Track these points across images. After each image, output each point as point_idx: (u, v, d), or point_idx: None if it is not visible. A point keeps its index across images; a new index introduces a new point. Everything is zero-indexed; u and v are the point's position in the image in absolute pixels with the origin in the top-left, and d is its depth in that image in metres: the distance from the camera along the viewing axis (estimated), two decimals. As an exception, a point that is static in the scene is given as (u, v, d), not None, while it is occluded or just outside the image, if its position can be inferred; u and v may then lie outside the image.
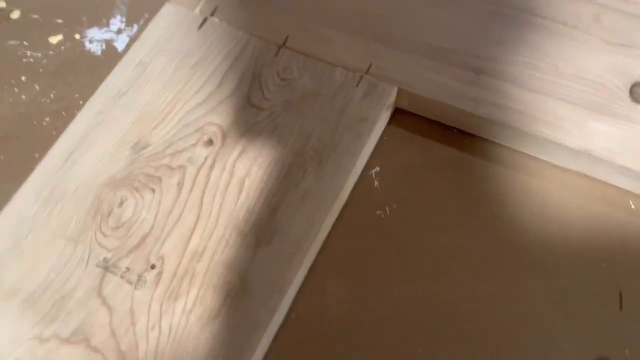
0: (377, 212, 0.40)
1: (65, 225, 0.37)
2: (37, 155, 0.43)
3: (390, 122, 0.43)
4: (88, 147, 0.40)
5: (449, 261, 0.39)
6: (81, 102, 0.46)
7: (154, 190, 0.38)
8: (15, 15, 0.51)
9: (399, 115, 0.43)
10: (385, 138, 0.43)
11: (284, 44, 0.44)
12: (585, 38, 0.41)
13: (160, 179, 0.39)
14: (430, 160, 0.42)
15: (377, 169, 0.42)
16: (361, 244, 0.40)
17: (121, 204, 0.38)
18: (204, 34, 0.44)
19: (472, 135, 0.42)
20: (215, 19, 0.45)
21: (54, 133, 0.45)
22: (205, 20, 0.45)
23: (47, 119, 0.45)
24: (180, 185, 0.38)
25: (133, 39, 0.49)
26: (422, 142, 0.43)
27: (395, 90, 0.41)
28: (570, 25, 0.42)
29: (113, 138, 0.40)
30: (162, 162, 0.39)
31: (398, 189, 0.41)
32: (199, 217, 0.37)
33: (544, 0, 0.43)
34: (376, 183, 0.41)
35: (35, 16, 0.50)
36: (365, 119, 0.40)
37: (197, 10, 0.45)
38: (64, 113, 0.45)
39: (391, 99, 0.41)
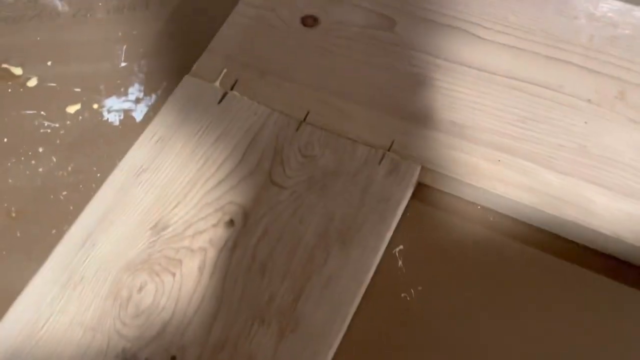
0: (402, 294, 0.39)
1: (84, 312, 0.36)
2: (53, 231, 0.43)
3: (412, 196, 0.43)
4: (107, 227, 0.39)
5: (477, 349, 0.37)
6: (99, 175, 0.45)
7: (174, 274, 0.38)
8: (32, 83, 0.51)
9: (421, 189, 0.43)
10: (408, 213, 0.42)
11: (305, 118, 0.43)
12: (611, 116, 0.41)
13: (180, 262, 0.38)
14: (454, 238, 0.41)
15: (401, 246, 0.41)
16: (386, 329, 0.38)
17: (140, 289, 0.37)
18: (224, 108, 0.44)
19: (497, 212, 0.41)
20: (236, 93, 0.45)
21: (71, 207, 0.44)
22: (225, 94, 0.45)
23: (64, 193, 0.44)
24: (201, 269, 0.38)
25: (151, 108, 0.49)
26: (446, 218, 0.42)
27: (419, 168, 0.40)
28: (594, 102, 0.42)
29: (133, 218, 0.39)
30: (183, 244, 0.39)
31: (423, 269, 0.40)
32: (220, 303, 0.36)
33: (566, 76, 0.43)
34: (400, 262, 0.41)
35: (53, 84, 0.50)
36: (389, 199, 0.40)
37: (217, 83, 0.45)
38: (81, 186, 0.45)
39: (415, 177, 0.40)
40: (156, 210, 0.40)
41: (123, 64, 0.51)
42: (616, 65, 0.43)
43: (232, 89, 0.45)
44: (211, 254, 0.38)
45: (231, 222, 0.40)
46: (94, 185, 0.45)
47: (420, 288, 0.39)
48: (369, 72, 0.45)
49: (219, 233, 0.39)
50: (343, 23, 0.47)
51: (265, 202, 0.40)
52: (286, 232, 0.39)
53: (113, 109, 0.49)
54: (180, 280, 0.37)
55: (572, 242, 0.40)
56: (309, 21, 0.48)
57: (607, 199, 0.38)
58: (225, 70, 0.45)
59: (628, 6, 0.47)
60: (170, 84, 0.50)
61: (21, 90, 0.50)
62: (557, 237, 0.40)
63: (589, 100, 0.42)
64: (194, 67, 0.46)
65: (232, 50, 0.47)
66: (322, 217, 0.39)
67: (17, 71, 0.51)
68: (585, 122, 0.41)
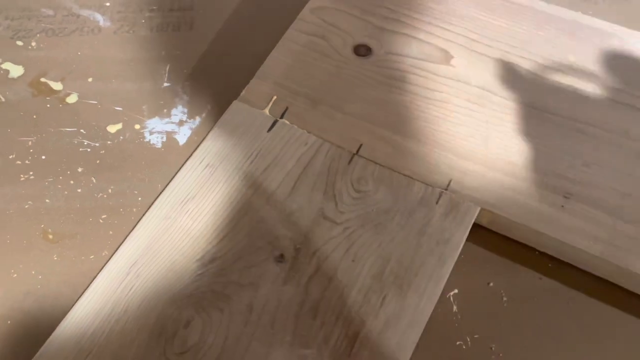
0: (457, 342, 0.38)
1: (127, 347, 0.34)
2: (92, 257, 0.41)
3: (467, 238, 0.41)
4: (153, 258, 0.37)
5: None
6: (140, 199, 0.44)
7: (222, 310, 0.36)
8: (72, 99, 0.49)
9: (476, 231, 0.41)
10: (462, 256, 0.41)
11: (358, 151, 0.42)
12: (677, 164, 0.40)
13: (229, 297, 0.36)
14: (511, 283, 0.39)
15: (455, 290, 0.39)
16: (441, 379, 0.37)
17: (187, 324, 0.35)
18: (274, 136, 0.43)
19: (556, 259, 0.40)
20: (286, 121, 0.43)
21: (111, 232, 0.42)
22: (275, 122, 0.43)
23: (104, 216, 0.43)
24: (250, 306, 0.36)
25: (195, 132, 0.47)
26: (503, 263, 0.41)
27: (478, 210, 0.39)
28: (660, 150, 0.40)
29: (179, 248, 0.38)
30: (231, 278, 0.37)
31: (478, 315, 0.38)
32: (270, 345, 0.35)
33: (631, 121, 0.42)
34: (454, 307, 0.39)
35: (93, 101, 0.49)
36: (447, 241, 0.38)
37: (267, 110, 0.44)
38: (121, 210, 0.43)
39: (473, 218, 0.39)
40: (203, 241, 0.38)
41: (166, 84, 0.50)
42: (682, 112, 0.42)
43: (282, 116, 0.44)
44: (261, 290, 0.36)
45: (281, 257, 0.38)
46: (135, 209, 0.43)
47: (476, 336, 0.37)
48: (424, 106, 0.44)
49: (269, 268, 0.37)
50: (397, 54, 0.46)
51: (317, 238, 0.38)
52: (339, 270, 0.37)
53: (155, 130, 0.47)
54: (228, 317, 0.35)
55: (635, 294, 0.38)
56: (362, 50, 0.47)
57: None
58: (275, 97, 0.44)
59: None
60: (215, 107, 0.49)
61: (60, 106, 0.49)
62: (621, 289, 0.38)
63: (655, 148, 0.40)
64: (243, 92, 0.45)
65: (282, 76, 0.45)
66: (378, 257, 0.38)
67: (57, 86, 0.50)
68: (652, 171, 0.39)
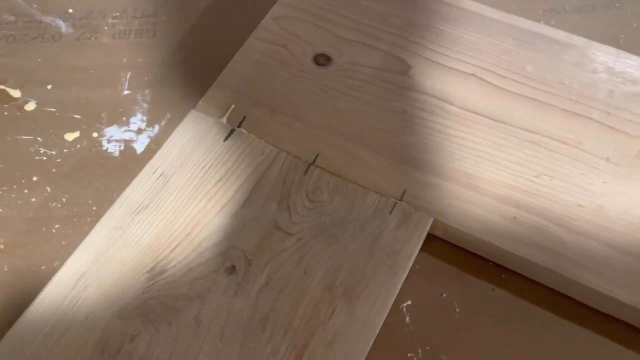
0: (409, 354, 0.37)
1: (70, 362, 0.34)
2: (43, 267, 0.40)
3: (421, 248, 0.41)
4: (101, 269, 0.37)
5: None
6: (94, 209, 0.43)
7: (170, 323, 0.35)
8: (30, 106, 0.49)
9: (430, 241, 0.41)
10: (417, 266, 0.41)
11: (314, 161, 0.42)
12: (630, 176, 0.40)
13: (177, 310, 0.36)
14: (465, 294, 0.39)
15: (408, 302, 0.39)
16: (390, 391, 0.37)
17: (133, 339, 0.35)
18: (230, 145, 0.42)
19: (510, 270, 0.40)
20: (243, 130, 0.43)
21: (64, 242, 0.42)
22: (232, 131, 0.43)
23: (57, 226, 0.42)
24: (199, 318, 0.35)
25: (153, 140, 0.47)
26: (456, 273, 0.40)
27: (431, 221, 0.39)
28: (613, 162, 0.40)
29: (129, 259, 0.37)
30: (180, 290, 0.36)
31: (431, 327, 0.38)
32: (218, 358, 0.34)
33: (585, 132, 0.42)
34: (407, 318, 0.39)
35: (52, 109, 0.48)
36: (399, 252, 0.38)
37: (224, 119, 0.44)
38: (75, 220, 0.43)
39: (426, 230, 0.39)
40: (154, 252, 0.38)
41: (126, 92, 0.49)
42: (636, 123, 0.42)
43: (239, 126, 0.43)
44: (210, 302, 0.36)
45: (232, 269, 0.38)
46: (89, 219, 0.43)
47: (427, 348, 0.37)
48: (381, 116, 0.44)
49: (220, 280, 0.37)
50: (356, 64, 0.46)
51: (269, 249, 0.38)
52: (290, 282, 0.37)
53: (113, 138, 0.47)
54: (176, 331, 0.35)
55: (586, 306, 0.38)
56: (322, 60, 0.47)
57: (626, 265, 0.37)
58: (233, 106, 0.44)
59: (646, 62, 0.47)
60: (175, 116, 0.48)
61: (18, 113, 0.48)
62: (572, 300, 0.38)
63: (607, 159, 0.40)
64: (201, 101, 0.44)
65: (241, 85, 0.45)
66: (329, 269, 0.37)
67: (15, 93, 0.49)
68: (604, 182, 0.39)
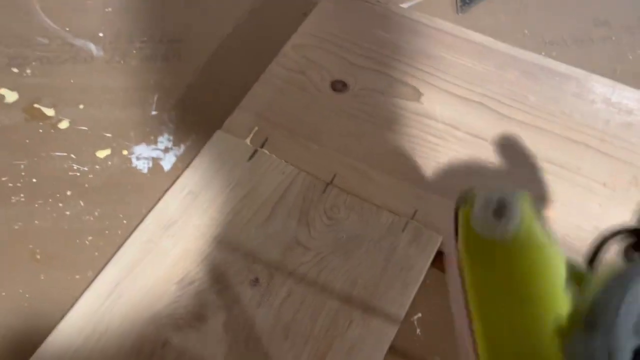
0: (419, 364, 0.40)
1: (107, 365, 0.37)
2: (77, 277, 0.43)
3: (432, 264, 0.44)
4: (135, 279, 0.40)
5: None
6: (125, 222, 0.46)
7: (198, 330, 0.38)
8: (64, 124, 0.52)
9: (441, 258, 0.44)
10: (427, 281, 0.43)
11: (332, 181, 0.45)
12: (624, 201, 0.43)
13: (205, 318, 0.39)
14: (471, 309, 0.42)
15: (419, 314, 0.42)
16: (402, 397, 0.39)
17: (164, 344, 0.37)
18: (253, 165, 0.45)
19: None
20: (265, 151, 0.46)
21: (96, 253, 0.45)
22: (255, 152, 0.46)
23: (90, 238, 0.45)
24: (225, 327, 0.38)
25: (179, 159, 0.50)
26: (463, 289, 0.43)
27: (441, 238, 0.42)
28: (609, 186, 0.43)
29: (160, 270, 0.40)
30: (208, 300, 0.39)
31: (441, 338, 0.41)
32: (243, 364, 0.37)
33: (583, 158, 0.45)
34: (418, 330, 0.42)
35: (84, 127, 0.52)
36: (411, 267, 0.41)
37: (248, 140, 0.47)
38: (107, 232, 0.45)
39: (437, 246, 0.42)
40: (183, 264, 0.41)
41: (154, 113, 0.53)
42: (630, 151, 0.45)
43: (262, 146, 0.47)
44: (236, 312, 0.39)
45: (256, 281, 0.40)
46: (119, 232, 0.46)
47: (437, 358, 0.40)
48: (394, 139, 0.47)
49: (244, 291, 0.40)
50: (371, 90, 0.50)
51: (290, 263, 0.41)
52: (309, 294, 0.40)
53: (142, 156, 0.50)
54: (204, 338, 0.38)
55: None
56: (338, 86, 0.50)
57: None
58: (256, 128, 0.47)
59: (642, 93, 0.50)
60: (199, 136, 0.52)
61: (52, 131, 0.52)
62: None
63: (604, 184, 0.44)
64: (226, 123, 0.48)
65: (263, 109, 0.48)
66: (346, 282, 0.40)
67: (50, 112, 0.53)
68: (599, 205, 0.42)
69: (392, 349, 0.40)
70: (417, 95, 0.49)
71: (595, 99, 0.49)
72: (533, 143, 0.46)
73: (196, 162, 0.45)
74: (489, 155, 0.46)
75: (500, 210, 0.26)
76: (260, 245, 0.42)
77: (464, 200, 0.29)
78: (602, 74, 0.52)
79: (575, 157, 0.45)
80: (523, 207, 0.26)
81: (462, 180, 0.44)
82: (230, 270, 0.41)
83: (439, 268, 0.44)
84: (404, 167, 0.45)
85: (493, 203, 0.26)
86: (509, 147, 0.46)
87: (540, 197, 0.43)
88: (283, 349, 0.37)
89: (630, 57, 0.57)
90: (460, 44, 0.53)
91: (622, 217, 0.42)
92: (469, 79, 0.50)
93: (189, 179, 0.44)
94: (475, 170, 0.45)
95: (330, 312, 0.39)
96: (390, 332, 0.38)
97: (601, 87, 0.49)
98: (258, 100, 0.49)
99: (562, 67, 0.51)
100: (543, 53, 0.56)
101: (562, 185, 0.44)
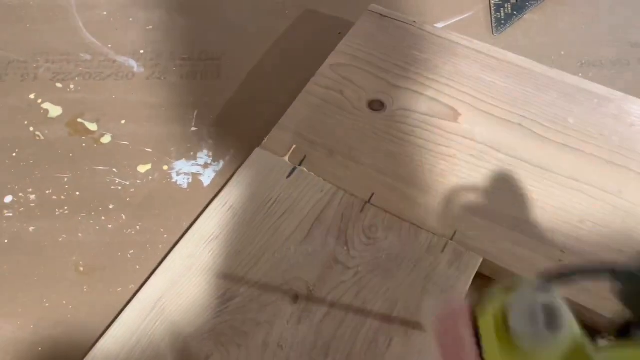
0: (459, 385, 0.40)
1: (150, 378, 0.37)
2: (119, 289, 0.44)
3: (471, 286, 0.44)
4: (177, 293, 0.40)
5: None
6: (165, 236, 0.47)
7: (239, 346, 0.38)
8: (106, 139, 0.53)
9: (479, 280, 0.44)
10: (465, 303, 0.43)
11: (370, 200, 0.45)
12: (668, 225, 0.43)
13: (246, 334, 0.39)
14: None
15: (457, 335, 0.42)
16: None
17: (206, 359, 0.38)
18: (292, 182, 0.46)
19: (553, 310, 0.42)
20: (304, 169, 0.47)
21: (138, 267, 0.45)
22: (294, 170, 0.47)
23: (132, 251, 0.46)
24: (266, 343, 0.38)
25: (219, 174, 0.51)
26: (502, 311, 0.43)
27: (480, 260, 0.42)
28: (652, 210, 0.43)
29: (202, 286, 0.41)
30: (249, 316, 0.40)
31: (479, 360, 0.41)
32: (284, 381, 0.37)
33: (624, 182, 0.45)
34: (456, 351, 0.41)
35: (125, 142, 0.53)
36: (452, 288, 0.41)
37: (286, 158, 0.47)
38: (148, 246, 0.46)
39: (476, 268, 0.42)
40: (224, 279, 0.41)
41: (193, 129, 0.54)
42: (672, 175, 0.45)
43: (300, 164, 0.47)
44: (277, 328, 0.39)
45: (296, 297, 0.41)
46: (160, 246, 0.47)
47: (476, 380, 0.40)
48: (432, 159, 0.47)
49: (285, 307, 0.40)
50: (408, 110, 0.50)
51: (329, 281, 0.41)
52: (350, 313, 0.40)
53: (182, 171, 0.51)
54: (246, 353, 0.38)
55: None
56: (376, 105, 0.51)
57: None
58: (294, 146, 0.48)
59: (680, 115, 0.50)
60: (238, 152, 0.53)
61: (95, 145, 0.53)
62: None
63: (646, 208, 0.43)
64: (265, 140, 0.48)
65: (301, 127, 0.49)
66: (386, 301, 0.40)
67: (92, 127, 0.54)
68: (643, 229, 0.42)
69: (431, 370, 0.40)
70: (455, 115, 0.50)
71: (634, 122, 0.48)
72: (572, 165, 0.46)
73: (236, 179, 0.46)
74: (529, 177, 0.46)
75: (546, 317, 0.23)
76: (300, 262, 0.42)
77: (487, 300, 0.26)
78: (639, 96, 0.52)
79: (616, 180, 0.45)
80: (566, 311, 0.23)
81: (503, 202, 0.44)
82: (271, 286, 0.41)
83: (478, 289, 0.44)
84: (443, 187, 0.46)
85: (538, 311, 0.23)
86: (549, 169, 0.46)
87: (582, 220, 0.43)
88: (324, 368, 0.38)
89: (668, 80, 0.57)
90: (498, 64, 0.53)
91: (665, 242, 0.42)
92: (507, 100, 0.50)
93: (229, 195, 0.45)
94: (515, 191, 0.45)
95: (371, 331, 0.39)
96: (431, 353, 0.38)
97: (639, 109, 0.49)
98: (296, 119, 0.50)
99: (601, 89, 0.51)
100: (580, 74, 0.56)
101: (603, 209, 0.44)
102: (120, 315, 0.40)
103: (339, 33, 0.59)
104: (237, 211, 0.44)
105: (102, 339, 0.38)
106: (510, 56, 0.53)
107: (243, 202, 0.45)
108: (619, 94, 0.50)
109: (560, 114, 0.49)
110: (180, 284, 0.41)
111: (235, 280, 0.41)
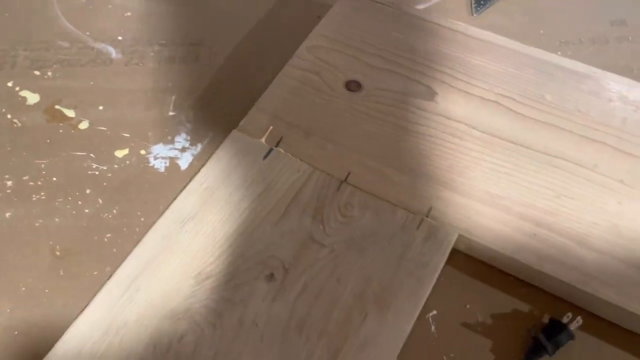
0: (434, 361, 0.40)
1: (125, 359, 0.37)
2: (95, 272, 0.44)
3: (446, 262, 0.44)
4: (152, 274, 0.40)
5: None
6: (142, 219, 0.47)
7: (214, 325, 0.38)
8: (84, 125, 0.53)
9: (455, 255, 0.44)
10: (442, 279, 0.43)
11: (346, 179, 0.45)
12: (643, 198, 0.43)
13: (221, 313, 0.39)
14: (487, 306, 0.42)
15: (434, 311, 0.42)
16: (417, 394, 0.39)
17: (181, 338, 0.38)
18: (269, 163, 0.46)
19: (530, 285, 0.42)
20: (280, 150, 0.47)
21: (114, 250, 0.45)
22: (270, 151, 0.47)
23: (108, 235, 0.46)
24: (241, 321, 0.38)
25: (196, 158, 0.51)
26: (479, 287, 0.43)
27: (456, 235, 0.42)
28: (627, 184, 0.43)
29: (177, 265, 0.41)
30: (224, 295, 0.40)
31: (455, 336, 0.41)
32: (258, 358, 0.37)
33: (600, 156, 0.45)
34: (433, 327, 0.41)
35: (103, 128, 0.53)
36: (426, 264, 0.41)
37: (263, 139, 0.47)
38: (125, 229, 0.46)
39: (452, 244, 0.42)
40: (200, 259, 0.41)
41: (171, 113, 0.53)
42: (648, 149, 0.45)
43: (277, 145, 0.47)
44: (251, 307, 0.39)
45: (271, 276, 0.41)
46: (137, 229, 0.46)
47: (452, 355, 0.40)
48: (409, 138, 0.47)
49: (260, 286, 0.40)
50: (385, 90, 0.50)
51: (304, 259, 0.41)
52: (324, 290, 0.40)
53: (159, 155, 0.51)
54: (220, 332, 0.38)
55: (606, 320, 0.41)
56: (352, 86, 0.50)
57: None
58: (271, 128, 0.48)
59: (658, 91, 0.50)
60: (216, 135, 0.52)
61: (73, 132, 0.53)
62: (590, 313, 0.41)
63: (622, 181, 0.43)
64: (242, 122, 0.48)
65: (278, 109, 0.49)
66: (360, 278, 0.40)
67: (70, 113, 0.54)
68: (619, 203, 0.42)
69: (407, 346, 0.40)
70: (432, 94, 0.49)
71: (612, 97, 0.48)
72: (549, 141, 0.46)
73: (213, 161, 0.46)
74: (506, 154, 0.46)
75: None
76: (276, 241, 0.42)
77: None
78: (619, 74, 0.52)
79: (592, 155, 0.45)
80: None
81: (479, 178, 0.44)
82: (246, 266, 0.41)
83: (454, 265, 0.44)
84: (419, 165, 0.45)
85: None
86: (525, 145, 0.46)
87: (558, 195, 0.43)
88: (298, 343, 0.37)
89: (648, 57, 0.57)
90: (475, 43, 0.53)
91: (641, 215, 0.42)
92: (484, 78, 0.50)
93: (206, 177, 0.45)
94: (492, 169, 0.45)
95: (345, 307, 0.39)
96: (404, 329, 0.38)
97: (618, 86, 0.49)
98: (273, 101, 0.50)
99: (579, 66, 0.50)
100: (559, 53, 0.56)
101: (578, 183, 0.43)
102: (95, 296, 0.39)
103: (318, 17, 0.58)
104: (213, 192, 0.44)
105: (76, 319, 0.38)
106: (488, 35, 0.53)
107: (219, 184, 0.45)
108: (597, 71, 0.50)
109: (538, 91, 0.49)
110: (156, 264, 0.41)
111: (210, 260, 0.41)
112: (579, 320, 0.38)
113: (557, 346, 0.38)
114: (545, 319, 0.40)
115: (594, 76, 0.50)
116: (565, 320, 0.38)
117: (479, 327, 0.41)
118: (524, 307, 0.42)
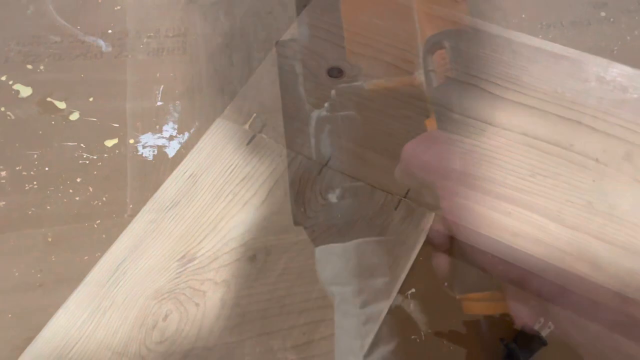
0: (412, 336, 0.41)
1: (111, 337, 0.38)
2: (86, 257, 0.45)
3: (425, 242, 0.45)
4: (138, 257, 0.42)
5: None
6: (131, 206, 0.48)
7: (197, 305, 0.40)
8: (74, 116, 0.54)
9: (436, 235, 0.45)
10: (421, 258, 0.44)
11: (327, 163, 0.46)
12: (617, 175, 0.43)
13: (204, 293, 0.40)
14: (465, 284, 0.43)
15: (413, 289, 0.43)
16: (396, 368, 0.40)
17: (166, 317, 0.39)
18: (252, 149, 0.47)
19: (507, 262, 0.43)
20: (263, 135, 0.48)
21: (104, 236, 0.47)
22: (253, 137, 0.48)
23: (98, 221, 0.47)
24: (224, 301, 0.40)
25: (183, 146, 0.52)
26: (457, 265, 0.44)
27: (432, 215, 0.43)
28: (601, 162, 0.44)
29: (162, 249, 0.42)
30: (207, 276, 0.41)
31: (433, 312, 0.42)
32: (240, 335, 0.38)
33: (576, 135, 0.46)
34: (411, 304, 0.43)
35: (93, 119, 0.54)
36: (404, 243, 0.42)
37: (247, 126, 0.49)
38: (114, 216, 0.48)
39: (429, 223, 0.43)
40: (184, 242, 0.43)
41: (159, 103, 0.55)
42: (624, 128, 0.45)
43: (260, 132, 0.48)
44: (234, 286, 0.41)
45: (254, 258, 0.42)
46: (126, 215, 0.48)
47: (429, 331, 0.41)
48: (388, 122, 0.48)
49: (242, 267, 0.41)
50: (365, 75, 0.51)
51: (286, 241, 0.42)
52: (305, 270, 0.41)
53: (148, 144, 0.52)
54: (203, 311, 0.40)
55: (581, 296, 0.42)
56: (334, 72, 0.51)
57: (612, 255, 0.40)
58: (255, 115, 0.49)
59: (637, 71, 0.50)
60: (202, 124, 0.54)
61: (64, 123, 0.54)
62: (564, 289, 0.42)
63: (596, 160, 0.44)
64: (226, 110, 0.50)
65: (261, 96, 0.50)
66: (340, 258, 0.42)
67: (61, 105, 0.56)
68: (593, 180, 0.43)
69: (385, 323, 0.41)
70: (412, 79, 0.50)
71: (588, 78, 0.49)
72: (525, 121, 0.47)
73: (197, 148, 0.47)
74: (481, 134, 0.46)
75: None
76: (259, 224, 0.43)
77: None
78: (600, 55, 0.52)
79: (567, 134, 0.46)
80: None
81: (454, 159, 0.45)
82: (229, 248, 0.42)
83: (432, 245, 0.45)
84: (397, 147, 0.46)
85: None
86: (501, 126, 0.47)
87: (532, 174, 0.44)
88: (278, 320, 0.39)
89: (629, 39, 0.57)
90: (453, 27, 0.53)
91: (615, 192, 0.43)
92: (462, 61, 0.51)
93: (190, 164, 0.46)
94: (467, 149, 0.46)
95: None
96: (382, 305, 0.39)
97: (595, 66, 0.49)
98: (256, 88, 0.51)
99: (556, 48, 0.51)
100: (540, 36, 0.57)
101: (554, 162, 0.44)
102: (84, 279, 0.41)
103: (304, 5, 0.60)
104: (197, 178, 0.46)
105: (65, 302, 0.40)
106: (465, 18, 0.54)
107: (203, 170, 0.46)
108: (574, 52, 0.51)
109: (515, 73, 0.49)
110: (142, 248, 0.42)
111: (194, 244, 0.42)
112: (551, 325, 0.39)
113: (531, 353, 0.39)
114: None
115: (571, 57, 0.50)
116: (537, 326, 0.39)
117: (456, 303, 0.42)
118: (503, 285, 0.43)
